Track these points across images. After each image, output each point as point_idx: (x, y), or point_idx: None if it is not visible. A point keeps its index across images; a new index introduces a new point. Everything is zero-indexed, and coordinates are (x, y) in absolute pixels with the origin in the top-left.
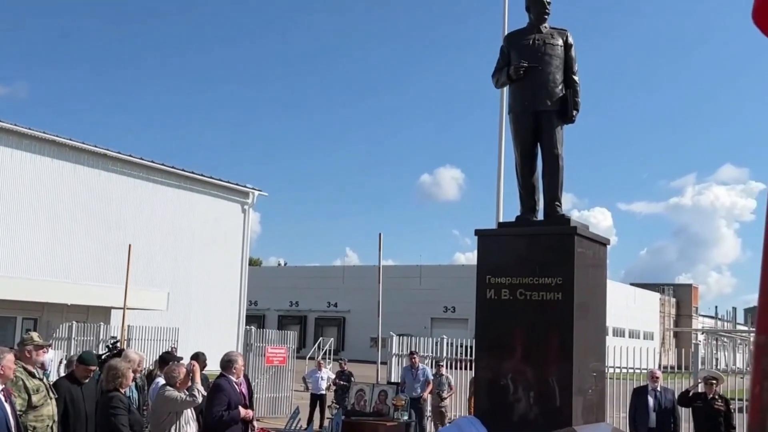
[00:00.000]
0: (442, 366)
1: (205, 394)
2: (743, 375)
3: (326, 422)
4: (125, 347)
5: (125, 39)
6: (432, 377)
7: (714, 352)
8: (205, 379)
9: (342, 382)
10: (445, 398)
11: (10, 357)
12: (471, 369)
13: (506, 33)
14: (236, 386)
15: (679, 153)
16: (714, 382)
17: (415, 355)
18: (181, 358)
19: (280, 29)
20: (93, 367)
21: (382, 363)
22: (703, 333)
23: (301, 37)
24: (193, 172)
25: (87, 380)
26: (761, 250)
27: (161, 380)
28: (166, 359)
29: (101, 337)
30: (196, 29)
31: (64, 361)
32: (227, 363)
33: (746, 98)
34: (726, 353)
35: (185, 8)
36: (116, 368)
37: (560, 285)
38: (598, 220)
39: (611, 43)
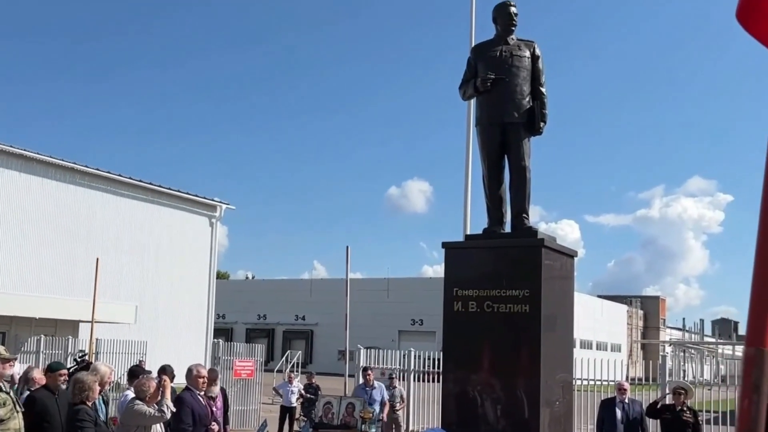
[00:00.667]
0: (394, 378)
1: (174, 409)
2: (710, 387)
3: None
4: (93, 361)
5: (93, 55)
6: (388, 397)
7: (681, 363)
8: (173, 392)
9: (309, 395)
10: (398, 410)
11: None
12: (439, 381)
13: (473, 45)
14: (201, 399)
15: (648, 165)
16: (682, 392)
17: (370, 372)
18: (150, 372)
19: (247, 46)
20: (63, 372)
21: (350, 376)
22: (670, 345)
23: (268, 54)
24: (160, 186)
25: (64, 386)
26: (753, 263)
27: (130, 393)
28: (136, 372)
29: (69, 350)
30: (162, 46)
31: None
32: (187, 375)
33: (715, 110)
34: (693, 365)
35: (152, 25)
36: (83, 381)
37: (527, 297)
38: (565, 232)
39: (580, 57)
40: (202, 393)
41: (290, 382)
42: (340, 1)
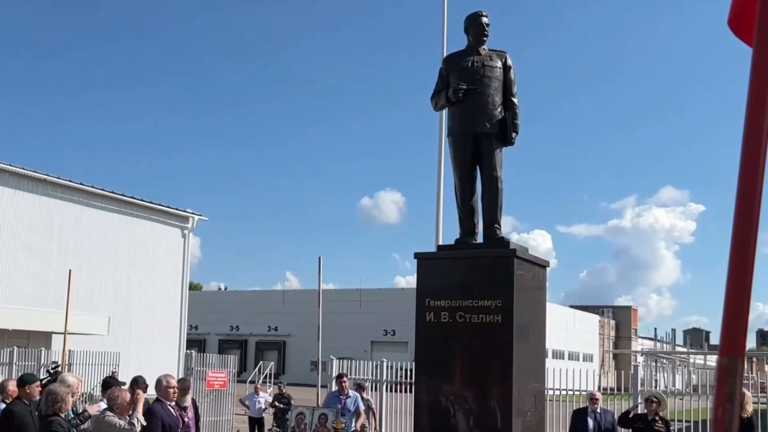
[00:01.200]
0: (364, 389)
1: (144, 423)
2: (682, 396)
3: None
4: (66, 372)
5: (67, 69)
6: (363, 407)
7: (653, 373)
8: (146, 404)
9: (281, 405)
10: (361, 421)
11: None
12: (411, 392)
13: (445, 55)
14: (172, 409)
15: (620, 175)
16: (655, 401)
17: (345, 379)
18: (124, 383)
19: (220, 61)
20: (35, 384)
21: (322, 386)
22: (642, 355)
23: (242, 68)
24: (133, 198)
25: (37, 398)
26: (726, 272)
27: (103, 404)
28: (109, 384)
29: (42, 362)
30: (135, 60)
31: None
32: (157, 385)
33: (688, 120)
34: (665, 375)
35: (125, 41)
36: (55, 393)
37: (500, 307)
38: (537, 242)
39: (552, 64)
40: (173, 404)
41: (257, 393)
42: (312, 18)
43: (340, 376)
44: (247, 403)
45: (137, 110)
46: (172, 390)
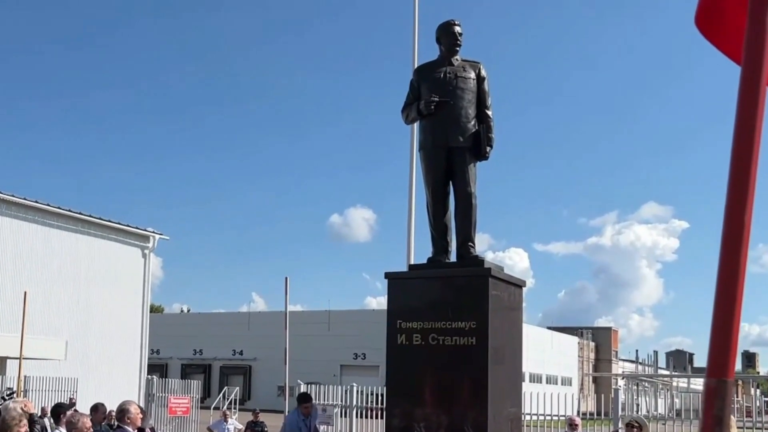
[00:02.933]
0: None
1: None
2: (665, 421)
3: None
4: (21, 398)
5: (18, 79)
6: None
7: (635, 397)
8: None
9: None
10: None
11: None
12: (382, 418)
13: (416, 66)
14: None
15: (601, 190)
16: (636, 425)
17: (308, 404)
18: (74, 404)
19: (181, 71)
20: None
21: (289, 412)
22: (623, 378)
23: (204, 79)
24: (90, 216)
25: None
26: (713, 291)
27: None
28: (58, 411)
29: None
30: (92, 70)
31: None
32: (120, 413)
33: (673, 133)
34: (647, 399)
35: (81, 49)
36: (5, 421)
37: (474, 329)
38: (514, 261)
39: (531, 72)
40: (135, 430)
41: (225, 419)
42: (279, 26)
43: (304, 398)
44: (215, 430)
45: (94, 122)
46: (137, 415)
